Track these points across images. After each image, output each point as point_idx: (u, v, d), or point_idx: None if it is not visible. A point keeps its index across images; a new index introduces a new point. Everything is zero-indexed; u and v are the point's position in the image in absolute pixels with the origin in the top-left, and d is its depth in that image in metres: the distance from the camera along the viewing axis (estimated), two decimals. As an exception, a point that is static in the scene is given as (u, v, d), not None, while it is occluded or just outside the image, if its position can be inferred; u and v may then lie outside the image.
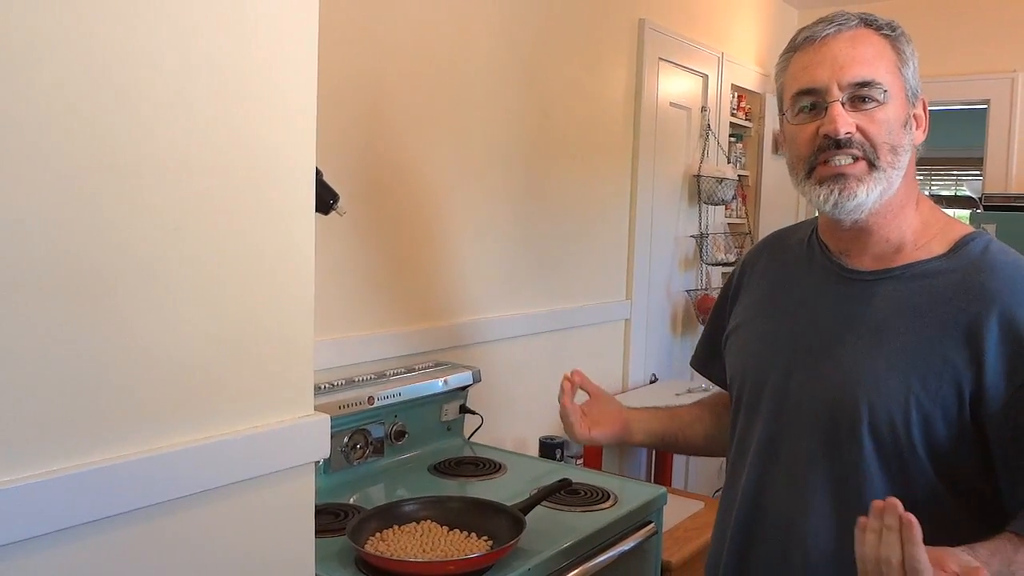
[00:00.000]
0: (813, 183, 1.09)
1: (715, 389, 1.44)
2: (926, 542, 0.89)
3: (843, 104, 1.06)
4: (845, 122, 1.05)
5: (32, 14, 0.79)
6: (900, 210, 1.11)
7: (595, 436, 1.34)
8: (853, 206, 1.07)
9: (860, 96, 1.06)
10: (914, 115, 1.11)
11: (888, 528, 0.89)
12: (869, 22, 1.09)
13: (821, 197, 1.08)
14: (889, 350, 1.06)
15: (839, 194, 1.06)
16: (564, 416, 1.34)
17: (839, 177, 1.06)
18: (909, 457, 1.04)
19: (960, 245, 1.09)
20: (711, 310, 1.41)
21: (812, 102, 1.08)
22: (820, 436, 1.10)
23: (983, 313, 1.03)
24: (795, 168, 1.12)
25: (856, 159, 1.06)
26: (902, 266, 1.10)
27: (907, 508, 0.96)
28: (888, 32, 1.10)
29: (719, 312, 1.37)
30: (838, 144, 1.06)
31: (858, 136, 1.06)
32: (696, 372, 1.45)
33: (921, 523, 0.90)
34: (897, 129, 1.08)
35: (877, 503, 0.92)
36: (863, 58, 1.06)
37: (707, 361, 1.40)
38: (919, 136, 1.13)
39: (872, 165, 1.06)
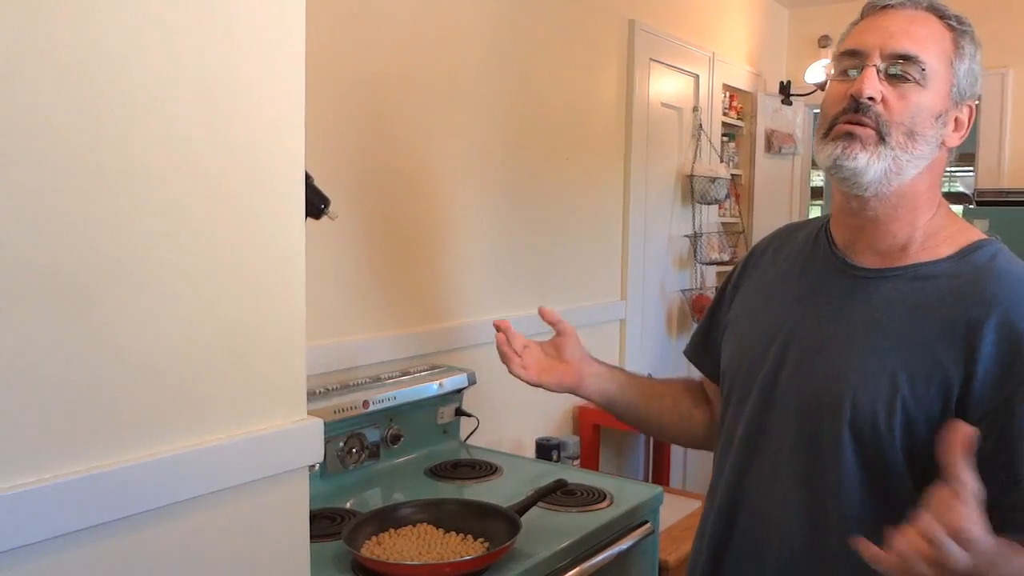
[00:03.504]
0: (826, 141, 1.07)
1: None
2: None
3: (879, 72, 1.03)
4: (872, 86, 1.02)
5: (12, 19, 0.79)
6: (915, 207, 1.09)
7: (544, 381, 1.39)
8: (851, 169, 1.03)
9: (898, 71, 1.03)
10: (955, 117, 1.08)
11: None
12: (937, 8, 1.07)
13: (825, 153, 1.06)
14: (882, 348, 1.05)
15: (841, 151, 1.03)
16: (504, 351, 1.38)
17: (846, 135, 1.04)
18: (888, 456, 1.03)
19: (968, 251, 1.07)
20: (712, 300, 1.40)
21: (852, 65, 1.06)
22: (802, 430, 1.09)
23: (981, 318, 1.00)
24: (819, 128, 1.10)
25: (868, 126, 1.03)
26: (906, 266, 1.08)
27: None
28: (953, 23, 1.06)
29: (719, 302, 1.35)
30: (858, 108, 1.03)
31: (879, 107, 1.03)
32: (690, 363, 1.45)
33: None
34: (925, 117, 1.04)
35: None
36: (915, 35, 1.04)
37: (701, 352, 1.40)
38: (953, 138, 1.08)
39: (881, 138, 1.03)
